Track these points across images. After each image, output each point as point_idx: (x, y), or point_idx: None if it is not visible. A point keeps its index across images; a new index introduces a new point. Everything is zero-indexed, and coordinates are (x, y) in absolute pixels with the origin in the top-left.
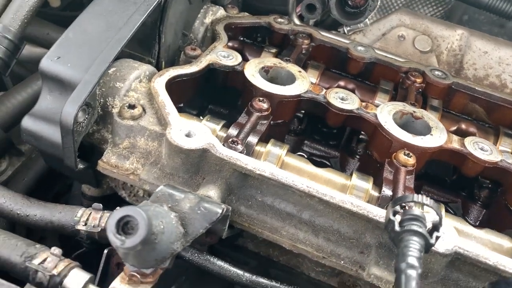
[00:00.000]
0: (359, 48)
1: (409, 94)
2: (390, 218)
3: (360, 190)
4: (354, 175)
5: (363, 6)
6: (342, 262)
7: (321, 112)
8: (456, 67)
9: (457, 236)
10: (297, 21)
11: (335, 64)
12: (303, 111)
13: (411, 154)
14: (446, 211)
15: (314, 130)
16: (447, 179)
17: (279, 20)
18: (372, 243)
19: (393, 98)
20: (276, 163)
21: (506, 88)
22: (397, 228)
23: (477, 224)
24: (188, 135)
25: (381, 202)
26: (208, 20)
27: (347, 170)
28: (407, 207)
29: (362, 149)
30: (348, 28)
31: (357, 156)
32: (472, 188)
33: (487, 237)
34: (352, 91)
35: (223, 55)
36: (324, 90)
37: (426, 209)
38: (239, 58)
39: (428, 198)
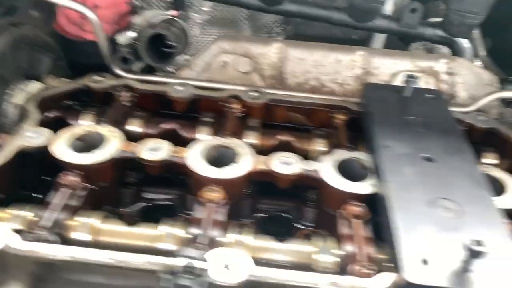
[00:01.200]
0: (178, 88)
1: (227, 123)
2: None
3: (171, 237)
4: (163, 225)
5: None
6: None
7: (141, 166)
8: (279, 79)
9: (251, 263)
10: (121, 73)
11: (163, 107)
12: None
13: (216, 188)
14: (284, 218)
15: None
16: None
17: (96, 79)
18: None
19: (216, 129)
20: (89, 233)
21: (325, 87)
22: None
23: (315, 225)
24: None
25: (193, 242)
26: (19, 100)
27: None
28: None
29: None
30: (173, 67)
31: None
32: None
33: (292, 248)
34: (175, 131)
35: (29, 135)
36: (138, 146)
37: None
38: (46, 134)
39: None
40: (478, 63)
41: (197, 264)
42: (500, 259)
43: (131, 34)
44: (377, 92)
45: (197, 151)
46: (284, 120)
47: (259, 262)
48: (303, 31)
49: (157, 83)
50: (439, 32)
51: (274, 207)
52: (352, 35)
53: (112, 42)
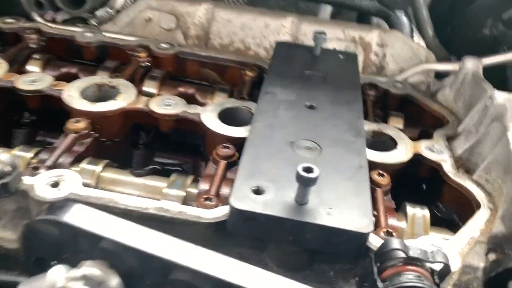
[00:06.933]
0: (87, 34)
1: (129, 68)
2: None
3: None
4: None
5: None
6: None
7: None
8: (204, 39)
9: (79, 183)
10: (37, 18)
11: (73, 55)
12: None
13: (81, 119)
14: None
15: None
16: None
17: (7, 20)
18: None
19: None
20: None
21: (250, 50)
22: None
23: None
24: None
25: None
26: None
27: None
28: None
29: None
30: (96, 20)
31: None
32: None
33: (143, 182)
34: (76, 75)
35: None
36: None
37: None
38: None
39: None
40: (421, 42)
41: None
42: (342, 201)
43: None
44: (288, 50)
45: (77, 87)
46: (196, 76)
47: None
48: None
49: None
50: (375, 4)
51: (172, 160)
52: None
53: None
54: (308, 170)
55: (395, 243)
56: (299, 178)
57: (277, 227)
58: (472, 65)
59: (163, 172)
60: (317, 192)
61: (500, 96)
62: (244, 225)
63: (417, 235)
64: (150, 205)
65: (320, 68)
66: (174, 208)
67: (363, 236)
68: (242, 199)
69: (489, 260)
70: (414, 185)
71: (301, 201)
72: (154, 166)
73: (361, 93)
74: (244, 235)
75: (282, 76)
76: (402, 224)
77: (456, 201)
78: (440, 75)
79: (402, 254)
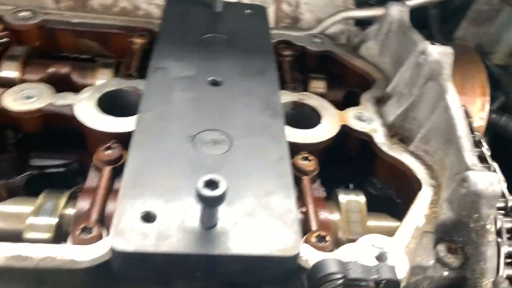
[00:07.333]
0: None
1: None
2: None
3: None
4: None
5: None
6: None
7: None
8: (81, 1)
9: None
10: None
11: None
12: None
13: None
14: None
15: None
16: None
17: None
18: None
19: None
20: None
21: (139, 10)
22: None
23: None
24: None
25: None
26: None
27: None
28: None
29: None
30: None
31: None
32: None
33: (2, 209)
34: None
35: None
36: None
37: None
38: None
39: None
40: None
41: None
42: (261, 213)
43: None
44: (183, 7)
45: None
46: (74, 49)
47: None
48: None
49: None
50: None
51: (53, 161)
52: None
53: None
54: (212, 184)
55: (331, 265)
56: (200, 198)
57: (179, 265)
58: (396, 11)
59: (44, 178)
60: (228, 204)
61: (434, 51)
62: (135, 268)
63: (354, 226)
64: (0, 253)
65: (223, 29)
66: (37, 253)
67: (290, 259)
68: (128, 233)
69: (438, 254)
70: (345, 160)
71: (207, 224)
72: (29, 172)
73: (274, 56)
74: (136, 278)
75: (176, 44)
76: (335, 216)
77: (392, 175)
78: (361, 23)
79: (340, 276)
